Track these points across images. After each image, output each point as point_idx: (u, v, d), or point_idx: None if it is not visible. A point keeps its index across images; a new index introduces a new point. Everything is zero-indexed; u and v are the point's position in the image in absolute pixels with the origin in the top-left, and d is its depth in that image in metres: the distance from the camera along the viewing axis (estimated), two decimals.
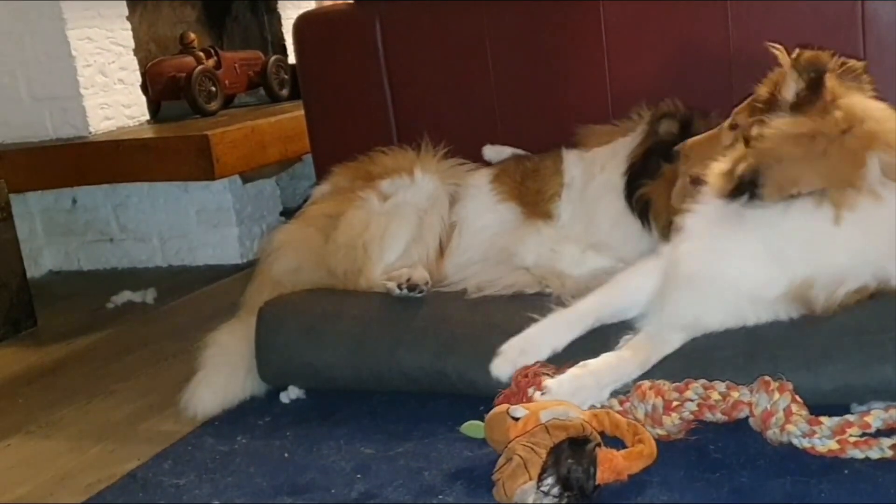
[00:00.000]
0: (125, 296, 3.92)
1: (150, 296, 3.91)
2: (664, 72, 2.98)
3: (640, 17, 3.00)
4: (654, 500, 1.87)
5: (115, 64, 4.47)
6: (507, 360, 2.26)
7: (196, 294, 3.92)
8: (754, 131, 2.08)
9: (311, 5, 5.79)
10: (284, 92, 5.05)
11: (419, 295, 2.57)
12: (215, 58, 4.81)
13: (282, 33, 5.69)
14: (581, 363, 2.17)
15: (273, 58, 5.08)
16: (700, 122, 2.58)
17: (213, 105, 4.67)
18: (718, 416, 2.03)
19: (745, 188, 2.06)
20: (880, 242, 2.01)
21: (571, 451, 1.85)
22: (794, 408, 1.94)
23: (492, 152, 3.08)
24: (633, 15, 3.00)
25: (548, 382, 2.13)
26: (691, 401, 2.04)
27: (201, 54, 4.76)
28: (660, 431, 2.03)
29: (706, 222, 2.19)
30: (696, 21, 2.94)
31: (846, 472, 1.88)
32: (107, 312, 3.82)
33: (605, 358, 2.19)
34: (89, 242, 4.52)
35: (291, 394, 2.60)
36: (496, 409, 2.10)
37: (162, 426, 2.58)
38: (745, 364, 2.10)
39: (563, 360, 2.21)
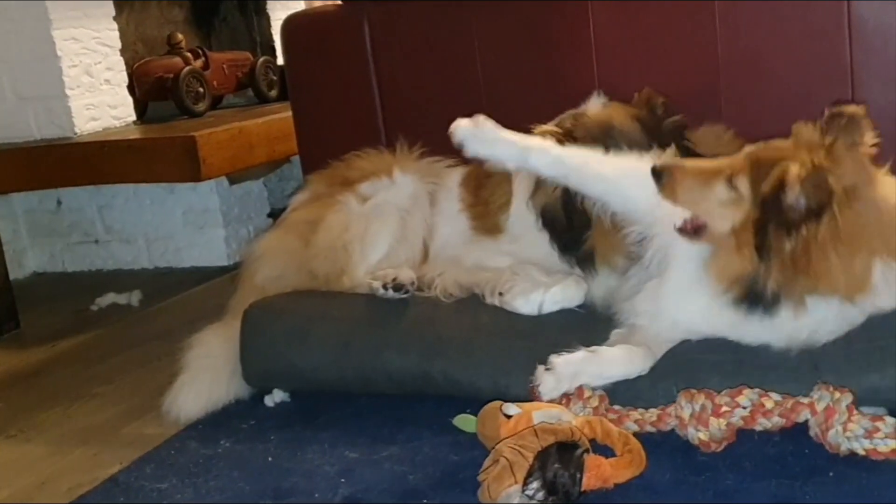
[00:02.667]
0: (110, 298, 3.90)
1: (135, 298, 3.89)
2: (652, 73, 2.97)
3: (629, 18, 2.99)
4: (639, 502, 1.86)
5: (102, 64, 4.44)
6: None
7: (182, 296, 3.89)
8: (786, 246, 1.95)
9: (300, 6, 5.78)
10: (273, 93, 5.02)
11: (405, 295, 2.55)
12: (203, 58, 4.77)
13: (270, 34, 5.67)
14: (593, 348, 2.17)
15: (261, 59, 5.05)
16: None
17: (201, 106, 4.64)
18: (775, 421, 1.98)
19: (760, 302, 2.02)
20: None
21: (559, 456, 1.85)
22: (854, 409, 1.92)
23: None
24: (622, 16, 3.00)
25: (553, 359, 2.13)
26: (743, 407, 1.99)
27: (189, 55, 4.73)
28: (702, 436, 1.99)
29: None
30: (684, 23, 2.93)
31: (831, 474, 1.88)
32: (91, 314, 3.79)
33: (617, 351, 2.17)
34: (74, 244, 4.49)
35: (276, 397, 2.59)
36: (491, 404, 2.11)
37: (145, 430, 2.56)
38: (732, 370, 2.10)
39: None
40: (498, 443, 1.95)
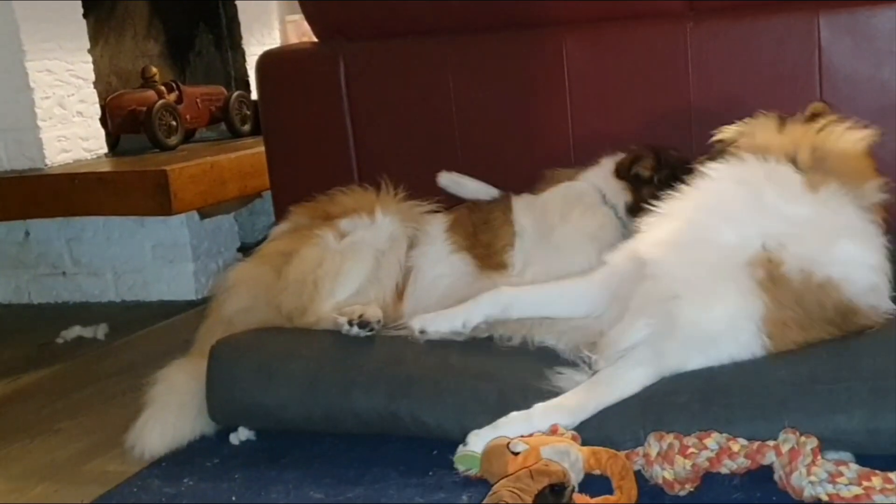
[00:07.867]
0: (75, 331, 3.84)
1: (101, 331, 3.83)
2: (626, 115, 3.00)
3: (603, 58, 3.03)
4: None
5: (75, 96, 4.43)
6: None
7: (149, 330, 3.85)
8: None
9: (276, 42, 5.80)
10: (246, 128, 5.02)
11: (369, 333, 2.53)
12: (177, 92, 4.77)
13: (245, 69, 5.68)
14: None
15: (235, 93, 5.06)
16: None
17: (174, 139, 4.63)
18: (740, 462, 1.97)
19: None
20: None
21: (554, 497, 1.86)
22: (818, 453, 1.93)
23: (447, 180, 3.06)
24: (596, 56, 3.03)
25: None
26: (709, 450, 1.99)
27: (163, 88, 4.73)
28: (667, 474, 1.98)
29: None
30: (658, 68, 2.97)
31: None
32: (56, 348, 3.74)
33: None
34: (41, 276, 4.44)
35: (241, 435, 2.55)
36: (495, 442, 2.09)
37: (108, 466, 2.52)
38: (700, 410, 2.09)
39: None
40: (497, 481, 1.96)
